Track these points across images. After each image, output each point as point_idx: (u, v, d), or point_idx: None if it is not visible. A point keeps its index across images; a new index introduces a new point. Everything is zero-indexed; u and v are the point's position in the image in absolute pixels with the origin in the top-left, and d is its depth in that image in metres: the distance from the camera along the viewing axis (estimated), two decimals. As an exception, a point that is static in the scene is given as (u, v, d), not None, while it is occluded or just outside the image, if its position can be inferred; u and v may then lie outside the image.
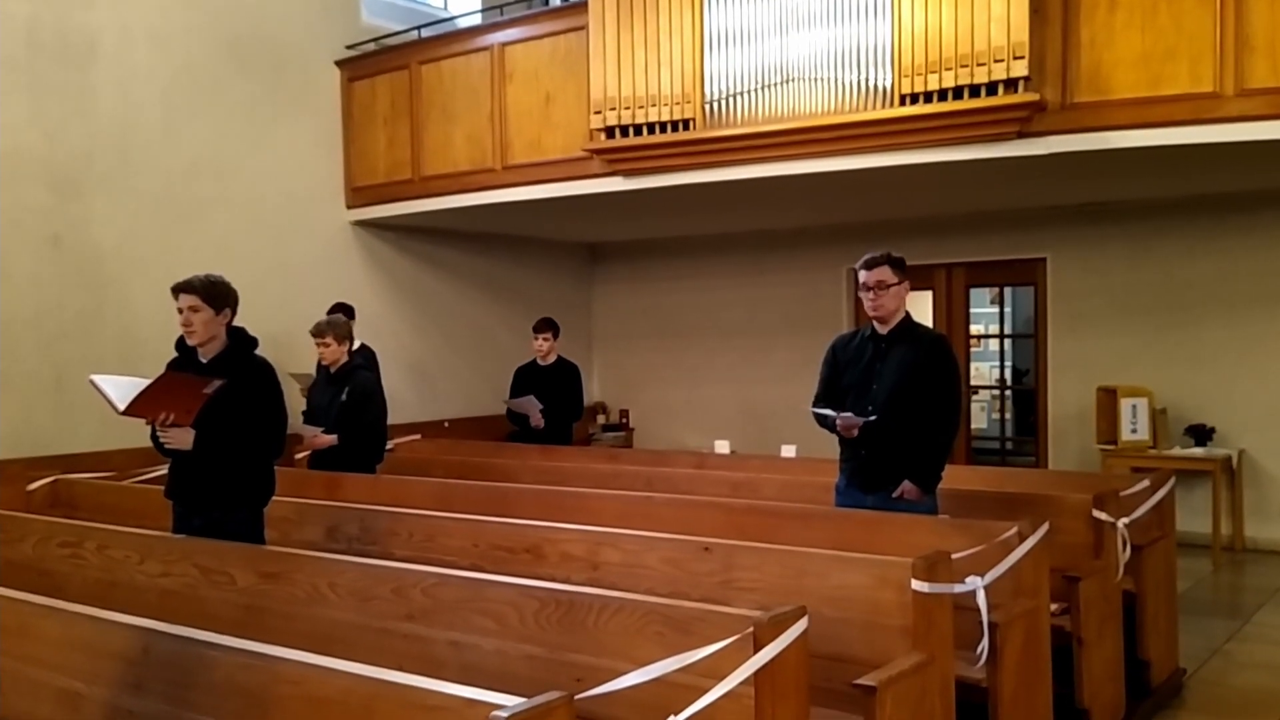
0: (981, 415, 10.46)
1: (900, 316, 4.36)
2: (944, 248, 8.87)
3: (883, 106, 5.99)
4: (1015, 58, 5.55)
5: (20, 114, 6.49)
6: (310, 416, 5.98)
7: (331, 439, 5.80)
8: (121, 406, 3.69)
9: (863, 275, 4.34)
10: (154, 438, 3.97)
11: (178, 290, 3.93)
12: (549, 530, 4.06)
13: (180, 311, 3.92)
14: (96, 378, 3.80)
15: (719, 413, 9.89)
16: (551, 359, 7.24)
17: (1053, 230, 8.45)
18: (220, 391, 3.77)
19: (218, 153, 7.50)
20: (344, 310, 7.26)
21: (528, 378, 7.26)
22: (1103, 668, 4.21)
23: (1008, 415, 9.82)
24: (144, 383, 3.70)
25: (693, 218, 8.89)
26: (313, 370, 6.94)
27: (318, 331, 5.90)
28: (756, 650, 2.49)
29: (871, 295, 4.31)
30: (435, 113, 7.93)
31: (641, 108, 6.70)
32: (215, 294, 3.94)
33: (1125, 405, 7.75)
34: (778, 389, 9.04)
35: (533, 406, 7.04)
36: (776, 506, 4.55)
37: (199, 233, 7.30)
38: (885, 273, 4.30)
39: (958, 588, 3.21)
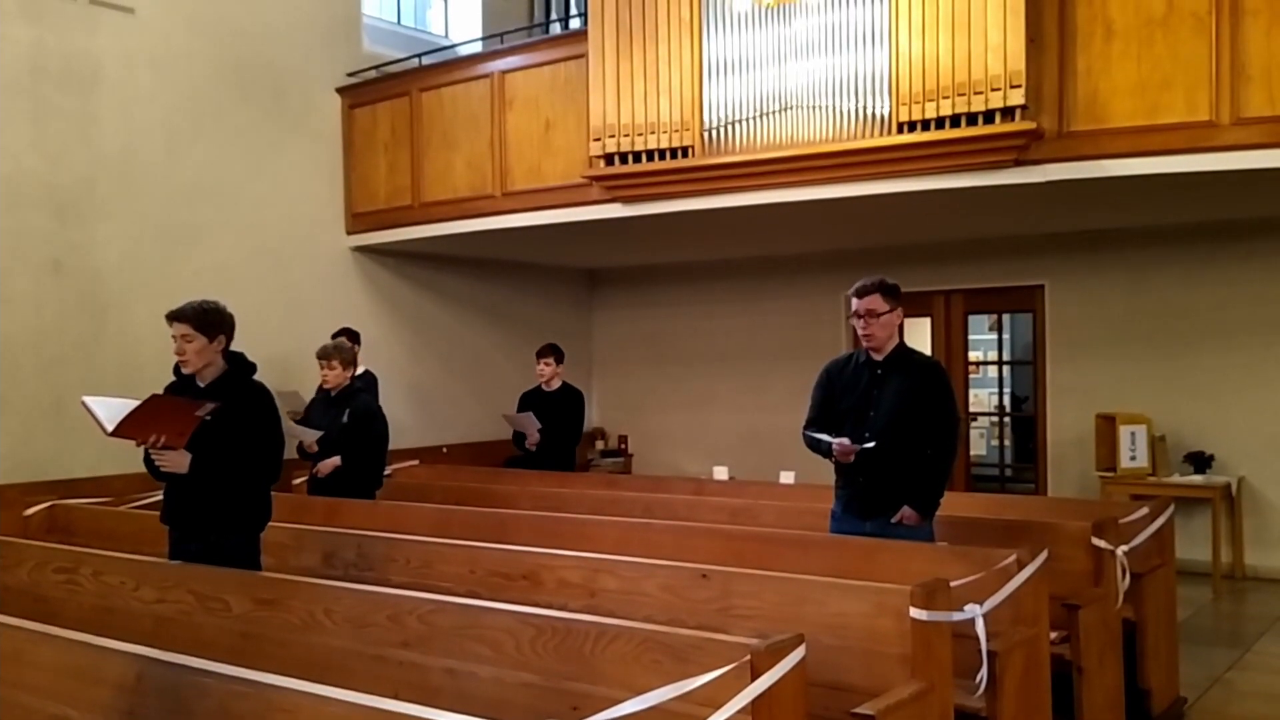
0: (981, 442, 10.43)
1: (894, 343, 4.36)
2: (942, 274, 8.89)
3: (880, 134, 6.01)
4: (1012, 86, 5.58)
5: (22, 139, 6.52)
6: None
7: (336, 461, 5.84)
8: (110, 427, 3.66)
9: (854, 303, 4.34)
10: (147, 461, 3.95)
11: (171, 319, 3.92)
12: (546, 557, 4.04)
13: (174, 339, 3.93)
14: (88, 399, 3.77)
15: (718, 439, 9.88)
16: (556, 384, 7.25)
17: (1051, 257, 8.47)
18: (214, 414, 3.76)
19: (219, 178, 7.52)
20: (349, 335, 7.29)
21: (533, 403, 7.25)
22: (1103, 696, 4.18)
23: (1007, 442, 9.80)
24: (135, 404, 3.68)
25: (692, 244, 8.92)
26: (296, 393, 6.99)
27: (324, 355, 5.97)
28: (754, 678, 2.48)
29: (862, 323, 4.31)
30: (436, 139, 7.96)
31: (640, 135, 6.74)
32: (208, 322, 3.92)
33: (1124, 432, 7.74)
34: (777, 415, 9.02)
35: (530, 424, 7.04)
36: (775, 533, 4.54)
37: (200, 258, 7.32)
38: (876, 301, 4.29)
39: (957, 616, 3.19)
